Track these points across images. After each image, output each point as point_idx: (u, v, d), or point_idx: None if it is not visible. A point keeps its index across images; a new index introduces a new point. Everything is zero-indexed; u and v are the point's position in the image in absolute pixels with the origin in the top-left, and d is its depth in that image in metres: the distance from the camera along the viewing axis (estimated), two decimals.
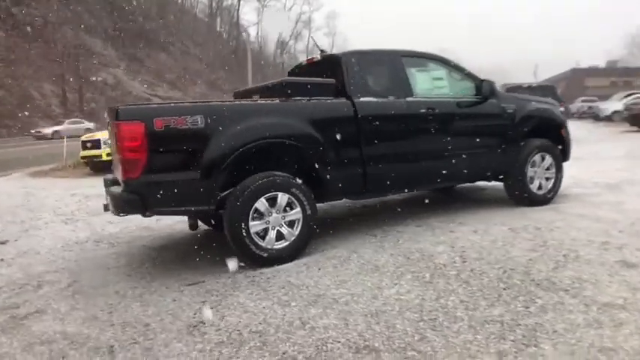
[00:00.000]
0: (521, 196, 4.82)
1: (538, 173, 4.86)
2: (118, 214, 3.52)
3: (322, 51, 4.49)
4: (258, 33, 56.05)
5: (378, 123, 3.93)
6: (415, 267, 3.33)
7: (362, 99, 3.90)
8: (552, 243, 3.62)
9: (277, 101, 3.66)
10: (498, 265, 3.25)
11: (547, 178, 4.93)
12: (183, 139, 3.26)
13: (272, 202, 3.54)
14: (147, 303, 3.11)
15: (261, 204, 3.49)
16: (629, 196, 5.17)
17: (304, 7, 56.35)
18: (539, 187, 4.89)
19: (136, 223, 5.56)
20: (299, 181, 3.61)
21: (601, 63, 56.86)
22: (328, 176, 3.73)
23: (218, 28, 58.58)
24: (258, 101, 3.62)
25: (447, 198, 5.70)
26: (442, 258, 3.47)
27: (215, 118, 3.34)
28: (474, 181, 4.84)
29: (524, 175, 4.74)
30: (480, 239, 3.86)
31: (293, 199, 3.58)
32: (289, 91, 3.70)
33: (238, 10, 53.65)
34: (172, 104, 3.42)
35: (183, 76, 45.04)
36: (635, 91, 23.84)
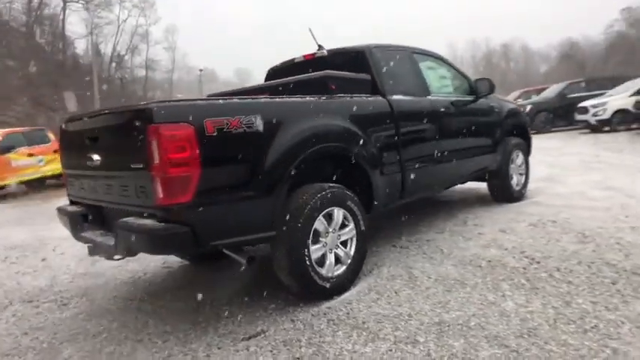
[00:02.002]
0: (505, 193, 4.92)
1: (515, 170, 5.01)
2: (130, 255, 2.53)
3: (320, 46, 3.96)
4: (88, 46, 49.97)
5: (410, 123, 3.59)
6: (499, 275, 3.04)
7: (394, 97, 3.51)
8: (589, 233, 3.67)
9: (324, 98, 3.04)
10: (574, 261, 3.15)
11: (520, 174, 5.13)
12: (238, 146, 2.46)
13: (328, 219, 2.91)
14: None
15: (320, 223, 2.85)
16: (576, 186, 5.65)
17: (140, 20, 51.46)
18: (517, 184, 5.04)
19: (66, 270, 4.28)
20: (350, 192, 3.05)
21: None
22: (377, 184, 3.24)
23: (38, 40, 50.97)
24: (307, 98, 2.96)
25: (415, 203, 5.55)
26: (511, 261, 3.25)
27: (271, 117, 2.61)
28: (477, 179, 4.77)
29: (508, 172, 4.85)
30: (518, 238, 3.75)
31: (348, 214, 3.01)
32: (333, 87, 3.11)
33: (64, 20, 47.22)
34: (221, 100, 2.56)
35: None
36: None
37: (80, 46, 48.72)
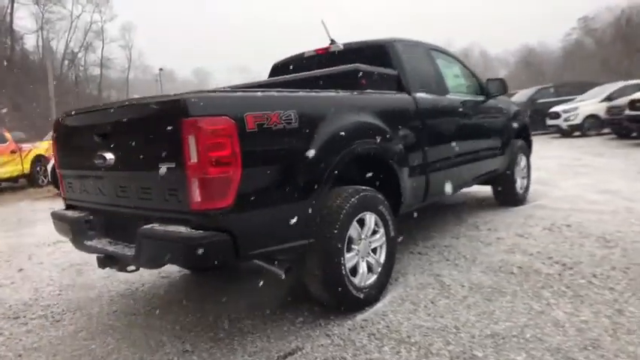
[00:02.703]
0: (510, 197, 4.85)
1: (519, 173, 4.95)
2: (153, 267, 2.24)
3: (332, 40, 3.75)
4: (38, 42, 47.19)
5: (433, 122, 3.43)
6: (535, 282, 2.92)
7: (418, 94, 3.34)
8: (610, 238, 3.62)
9: (357, 94, 2.83)
10: (607, 266, 3.06)
11: (522, 177, 5.08)
12: (278, 144, 2.22)
13: (361, 225, 2.71)
14: None
15: (354, 229, 2.64)
16: (572, 189, 5.69)
17: (95, 16, 48.49)
18: (520, 187, 4.99)
19: (49, 281, 3.92)
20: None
21: None
22: (406, 185, 3.06)
23: None
24: (342, 93, 2.73)
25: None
26: (542, 268, 3.14)
27: (311, 113, 2.38)
28: (482, 182, 4.67)
29: (514, 175, 4.79)
30: (539, 243, 3.66)
31: (379, 219, 2.81)
32: (364, 82, 2.91)
33: (12, 14, 44.18)
34: (259, 92, 2.29)
35: None
36: None
37: (30, 42, 46.02)
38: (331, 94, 2.66)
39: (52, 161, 9.56)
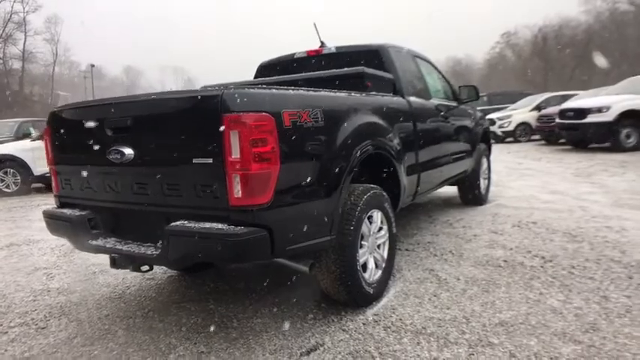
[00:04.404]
0: (475, 197, 5.16)
1: (482, 174, 5.27)
2: (177, 267, 2.17)
3: (322, 42, 3.81)
4: None
5: (423, 125, 3.58)
6: (523, 274, 3.14)
7: (411, 98, 3.48)
8: (575, 233, 3.97)
9: (365, 95, 2.90)
10: (581, 259, 3.36)
11: (484, 179, 5.41)
12: (308, 141, 2.24)
13: (369, 222, 2.79)
14: None
15: (365, 226, 2.72)
16: (524, 190, 6.14)
17: (17, 6, 44.29)
18: (483, 188, 5.32)
19: (16, 287, 3.64)
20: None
21: None
22: (404, 184, 3.18)
23: None
24: (353, 94, 2.77)
25: None
26: (525, 261, 3.39)
27: (331, 112, 2.42)
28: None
29: (479, 176, 5.09)
30: (513, 239, 3.93)
31: (383, 216, 2.91)
32: (369, 84, 2.98)
33: None
34: (291, 90, 2.27)
35: None
36: None
37: None
38: (347, 94, 2.71)
39: None
